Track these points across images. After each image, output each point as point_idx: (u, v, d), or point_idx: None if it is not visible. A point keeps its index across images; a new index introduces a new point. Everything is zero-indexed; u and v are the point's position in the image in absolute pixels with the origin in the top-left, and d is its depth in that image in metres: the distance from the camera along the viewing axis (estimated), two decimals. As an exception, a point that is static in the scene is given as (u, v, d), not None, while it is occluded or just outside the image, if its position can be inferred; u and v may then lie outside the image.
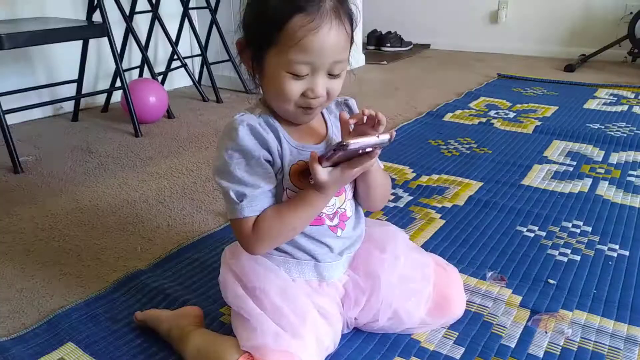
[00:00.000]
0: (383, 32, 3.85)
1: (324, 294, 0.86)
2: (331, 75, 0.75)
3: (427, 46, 3.95)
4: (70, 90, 2.27)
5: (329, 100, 0.78)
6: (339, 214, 0.85)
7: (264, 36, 0.73)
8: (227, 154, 0.77)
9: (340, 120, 0.77)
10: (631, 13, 3.05)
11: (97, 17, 2.04)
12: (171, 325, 0.90)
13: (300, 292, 0.83)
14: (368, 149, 0.71)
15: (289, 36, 0.71)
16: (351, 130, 0.76)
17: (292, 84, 0.74)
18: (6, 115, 1.73)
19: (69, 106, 2.36)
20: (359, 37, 3.30)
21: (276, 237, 0.79)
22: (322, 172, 0.73)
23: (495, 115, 2.21)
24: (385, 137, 0.69)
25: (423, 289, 0.89)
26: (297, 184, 0.79)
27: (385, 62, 3.44)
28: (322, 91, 0.75)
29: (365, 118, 0.74)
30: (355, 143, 0.67)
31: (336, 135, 0.84)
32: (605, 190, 1.48)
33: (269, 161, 0.78)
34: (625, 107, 2.28)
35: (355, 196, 0.89)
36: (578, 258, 1.15)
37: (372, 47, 3.87)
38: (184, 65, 2.51)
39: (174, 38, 2.56)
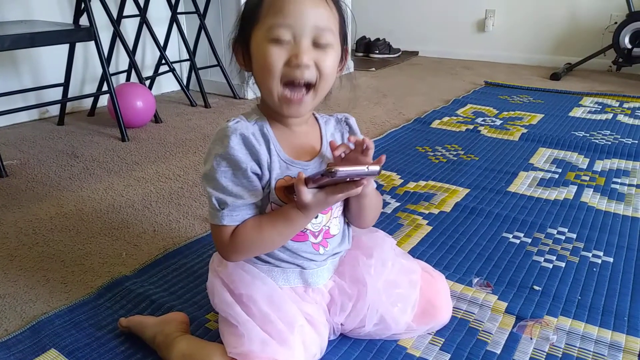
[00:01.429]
0: (372, 39, 3.88)
1: (310, 301, 0.85)
2: (317, 46, 0.73)
3: (415, 53, 3.97)
4: (56, 93, 2.25)
5: (321, 80, 0.75)
6: (323, 232, 0.84)
7: (249, 20, 0.75)
8: (215, 161, 0.76)
9: (330, 147, 0.76)
10: (616, 23, 3.09)
11: (84, 20, 2.03)
12: (156, 332, 0.89)
13: (288, 299, 0.82)
14: (356, 178, 0.70)
15: (267, 5, 0.72)
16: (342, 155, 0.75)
17: (275, 51, 0.72)
18: (-10, 119, 1.72)
19: (54, 110, 2.34)
20: (348, 44, 3.31)
21: (252, 250, 0.80)
22: (307, 194, 0.72)
23: (482, 123, 2.22)
24: (374, 169, 0.68)
25: (409, 295, 0.90)
26: (282, 198, 0.78)
27: (373, 69, 3.46)
28: (308, 59, 0.72)
29: (352, 145, 0.74)
30: (343, 171, 0.66)
31: (330, 154, 0.83)
32: (590, 197, 1.50)
33: (257, 174, 0.77)
34: (610, 116, 2.31)
35: (345, 213, 0.88)
36: (563, 264, 1.16)
37: (360, 54, 3.89)
38: (172, 70, 2.51)
39: (162, 43, 2.55)
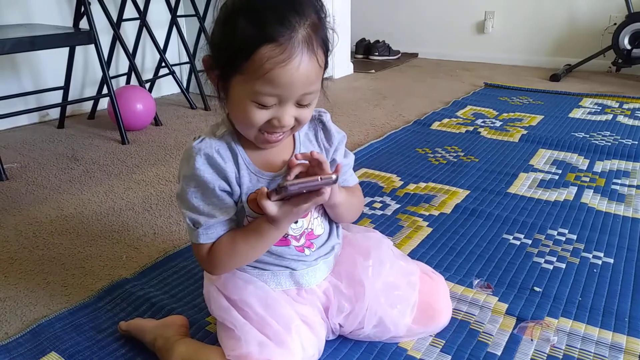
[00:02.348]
0: (371, 41, 3.88)
1: (304, 302, 0.85)
2: (300, 105, 0.72)
3: (415, 55, 3.98)
4: (56, 97, 2.26)
5: (299, 126, 0.75)
6: (305, 234, 0.84)
7: (231, 62, 0.69)
8: (184, 181, 0.76)
9: (288, 166, 0.75)
10: (615, 24, 3.09)
11: (84, 24, 2.03)
12: (156, 335, 0.89)
13: (282, 301, 0.83)
14: (313, 189, 0.71)
15: (256, 67, 0.66)
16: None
17: (258, 113, 0.70)
18: (-9, 122, 1.72)
19: (55, 113, 2.34)
20: (347, 45, 3.32)
21: (229, 264, 0.81)
22: (272, 207, 0.72)
23: (482, 124, 2.22)
24: (328, 179, 0.69)
25: (409, 296, 0.89)
26: (256, 210, 0.78)
27: (373, 71, 3.46)
28: (290, 121, 0.71)
29: (302, 163, 0.74)
30: (294, 185, 0.69)
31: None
32: (590, 198, 1.50)
33: (226, 191, 0.77)
34: (610, 117, 2.31)
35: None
36: (563, 266, 1.16)
37: (360, 56, 3.89)
38: (172, 73, 2.51)
39: (162, 45, 2.55)
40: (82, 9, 2.01)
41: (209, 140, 0.77)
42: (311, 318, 0.83)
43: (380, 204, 1.47)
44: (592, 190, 1.55)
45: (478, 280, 1.09)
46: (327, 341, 0.88)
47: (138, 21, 2.43)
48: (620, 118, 2.29)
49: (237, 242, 0.78)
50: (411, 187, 1.59)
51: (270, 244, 0.79)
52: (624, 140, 1.99)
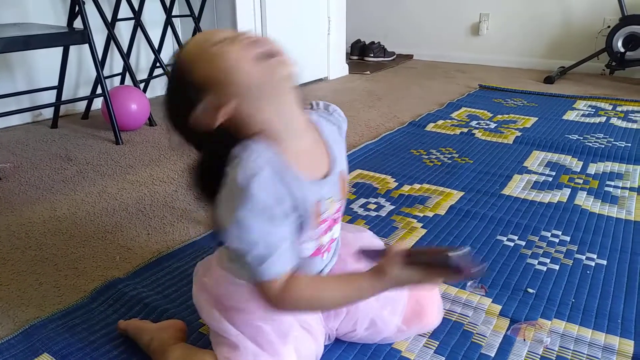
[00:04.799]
0: (366, 43, 3.88)
1: None
2: None
3: (410, 57, 3.98)
4: (50, 97, 2.24)
5: None
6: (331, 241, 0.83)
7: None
8: (242, 212, 0.64)
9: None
10: (609, 27, 3.11)
11: (78, 23, 2.02)
12: (152, 337, 0.89)
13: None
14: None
15: None
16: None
17: None
18: (-17, 122, 1.71)
19: (48, 113, 2.33)
20: (342, 47, 3.32)
21: (307, 305, 0.72)
22: (398, 266, 0.67)
23: (477, 126, 2.23)
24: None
25: (398, 297, 0.89)
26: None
27: (368, 72, 3.46)
28: None
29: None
30: (458, 258, 0.64)
31: (335, 151, 0.78)
32: (584, 200, 1.50)
33: (291, 208, 0.68)
34: (603, 119, 2.33)
35: None
36: (557, 267, 1.16)
37: (355, 57, 3.89)
38: (167, 73, 2.50)
39: (156, 45, 2.54)
40: (77, 8, 2.00)
41: (261, 155, 0.66)
42: (312, 324, 0.83)
43: (375, 205, 1.47)
44: (586, 192, 1.55)
45: (472, 281, 1.09)
46: (320, 342, 0.88)
47: (133, 21, 2.42)
48: (614, 120, 2.30)
49: (327, 284, 0.72)
50: (406, 188, 1.59)
51: (359, 301, 0.75)
52: (617, 143, 2.00)
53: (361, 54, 3.88)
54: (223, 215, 0.68)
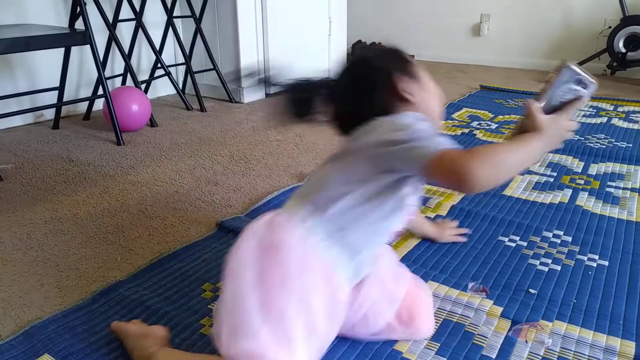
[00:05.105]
0: (367, 43, 3.88)
1: (345, 295, 0.79)
2: None
3: (411, 57, 3.98)
4: (51, 97, 2.25)
5: None
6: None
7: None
8: (409, 122, 0.77)
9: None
10: (610, 27, 3.11)
11: (79, 24, 2.02)
12: (134, 346, 0.88)
13: (340, 310, 0.77)
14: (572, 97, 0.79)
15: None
16: None
17: None
18: (-15, 123, 1.71)
19: (49, 114, 2.33)
20: (343, 47, 3.32)
21: (492, 169, 0.68)
22: (541, 113, 0.76)
23: (478, 126, 2.23)
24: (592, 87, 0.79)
25: (396, 290, 0.89)
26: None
27: (369, 73, 3.46)
28: None
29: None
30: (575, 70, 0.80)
31: None
32: (585, 200, 1.50)
33: None
34: (605, 119, 2.32)
35: None
36: (558, 268, 1.16)
37: (356, 58, 3.89)
38: (168, 74, 2.50)
39: (158, 46, 2.54)
40: (78, 9, 2.00)
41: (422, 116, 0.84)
42: (341, 313, 0.78)
43: (376, 206, 1.47)
44: (587, 193, 1.55)
45: (473, 283, 1.09)
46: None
47: (134, 22, 2.42)
48: (615, 121, 2.30)
49: (504, 147, 0.72)
50: (407, 189, 1.59)
51: (532, 161, 0.76)
52: (618, 143, 1.99)
53: (362, 54, 3.88)
54: (381, 134, 0.77)
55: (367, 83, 0.86)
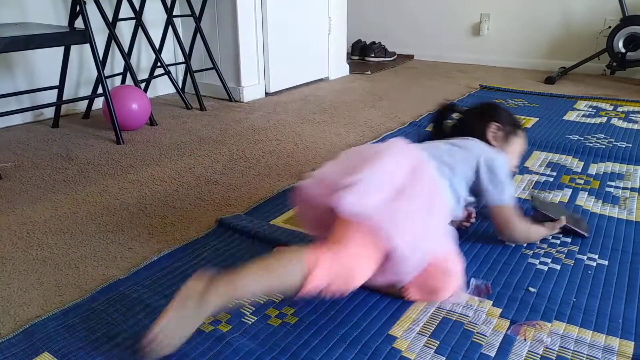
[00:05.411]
0: (367, 43, 3.88)
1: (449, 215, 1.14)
2: None
3: (410, 57, 3.98)
4: (50, 96, 2.25)
5: None
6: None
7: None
8: (506, 177, 1.18)
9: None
10: (610, 27, 3.11)
11: (79, 23, 2.02)
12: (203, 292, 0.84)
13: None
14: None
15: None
16: None
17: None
18: (-16, 121, 1.71)
19: (49, 112, 2.33)
20: (343, 47, 3.33)
21: (525, 237, 1.24)
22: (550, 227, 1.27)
23: (477, 126, 2.22)
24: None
25: (437, 248, 0.99)
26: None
27: (369, 72, 3.47)
28: None
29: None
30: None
31: None
32: (585, 200, 1.50)
33: None
34: (604, 119, 2.32)
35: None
36: (558, 267, 1.16)
37: (356, 57, 3.89)
38: (168, 73, 2.50)
39: (157, 45, 2.55)
40: (78, 8, 2.00)
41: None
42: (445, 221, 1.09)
43: (376, 205, 1.46)
44: (587, 193, 1.55)
45: (474, 281, 1.09)
46: (320, 340, 0.90)
47: (134, 21, 2.43)
48: (615, 121, 2.30)
49: (532, 229, 1.24)
50: (406, 188, 1.58)
51: (539, 238, 1.26)
52: (618, 143, 2.00)
53: (362, 54, 3.88)
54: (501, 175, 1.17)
55: (480, 118, 1.33)
